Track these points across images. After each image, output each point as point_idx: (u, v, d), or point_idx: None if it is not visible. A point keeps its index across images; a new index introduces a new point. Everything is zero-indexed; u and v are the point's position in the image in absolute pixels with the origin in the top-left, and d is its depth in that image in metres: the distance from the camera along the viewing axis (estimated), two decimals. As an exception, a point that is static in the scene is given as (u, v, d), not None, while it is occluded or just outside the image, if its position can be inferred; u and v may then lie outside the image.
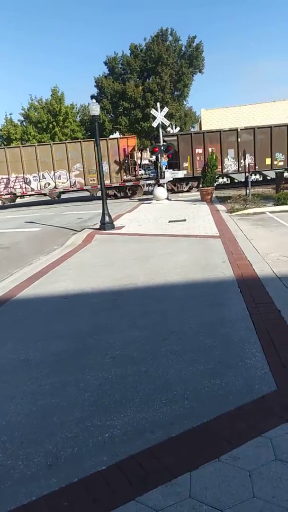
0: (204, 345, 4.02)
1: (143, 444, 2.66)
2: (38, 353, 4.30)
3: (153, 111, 23.61)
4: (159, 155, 22.64)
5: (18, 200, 29.11)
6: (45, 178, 25.96)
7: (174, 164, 23.94)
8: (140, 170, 26.57)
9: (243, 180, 22.18)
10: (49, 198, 26.93)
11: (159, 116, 22.79)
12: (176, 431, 2.75)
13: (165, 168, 23.06)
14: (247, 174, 18.19)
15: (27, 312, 5.71)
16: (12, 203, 27.87)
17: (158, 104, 24.29)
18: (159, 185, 22.41)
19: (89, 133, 44.15)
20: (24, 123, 44.28)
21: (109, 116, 44.21)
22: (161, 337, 4.33)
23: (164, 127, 24.12)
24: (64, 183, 26.06)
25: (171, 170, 23.88)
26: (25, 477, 2.51)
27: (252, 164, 22.49)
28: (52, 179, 25.96)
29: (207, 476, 2.29)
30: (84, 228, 13.58)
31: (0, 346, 4.59)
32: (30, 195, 27.29)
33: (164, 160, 22.81)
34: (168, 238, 10.20)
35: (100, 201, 13.19)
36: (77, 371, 3.79)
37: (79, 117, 47.44)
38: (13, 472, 2.57)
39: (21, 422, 3.11)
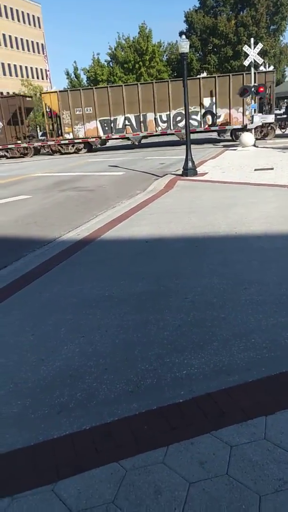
0: (287, 297, 3.92)
1: (220, 384, 2.75)
2: (121, 291, 4.52)
3: (245, 48, 21.80)
4: (249, 97, 21.22)
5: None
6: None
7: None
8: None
9: None
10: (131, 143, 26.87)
11: (252, 53, 21.03)
12: (253, 377, 2.79)
13: (254, 112, 21.65)
14: None
15: (111, 253, 5.95)
16: (102, 146, 28.08)
17: (252, 40, 22.36)
18: (247, 130, 21.19)
19: (175, 74, 42.39)
20: (111, 63, 43.66)
21: (198, 55, 41.91)
22: (242, 286, 4.30)
23: (256, 66, 22.27)
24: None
25: (260, 114, 22.38)
26: (108, 399, 2.75)
27: None
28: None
29: (284, 422, 2.33)
30: (167, 174, 13.47)
31: (86, 283, 4.88)
32: (114, 139, 27.38)
33: (253, 103, 21.37)
34: (253, 186, 9.78)
35: (184, 147, 12.88)
36: (157, 311, 3.94)
37: (165, 56, 45.52)
38: (97, 394, 2.82)
39: (105, 351, 3.36)
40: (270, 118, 23.01)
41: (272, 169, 12.29)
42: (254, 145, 19.54)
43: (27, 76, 66.22)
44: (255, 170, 12.44)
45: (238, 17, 39.56)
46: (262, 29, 39.11)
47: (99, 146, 27.59)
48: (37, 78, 68.84)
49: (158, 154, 21.94)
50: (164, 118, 25.55)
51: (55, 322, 3.95)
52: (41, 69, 71.07)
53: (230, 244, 5.79)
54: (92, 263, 5.59)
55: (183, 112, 22.00)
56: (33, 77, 67.22)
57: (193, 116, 24.52)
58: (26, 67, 68.94)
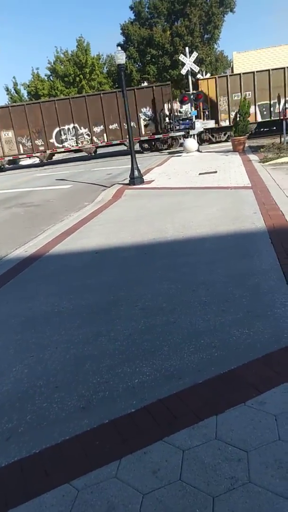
0: (233, 295, 4.00)
1: (171, 389, 2.74)
2: (71, 305, 4.43)
3: (181, 57, 22.44)
4: (188, 105, 21.77)
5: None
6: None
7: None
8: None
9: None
10: (85, 154, 26.50)
11: (188, 61, 21.67)
12: (203, 378, 2.80)
13: (195, 118, 22.23)
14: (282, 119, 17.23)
15: (60, 267, 5.84)
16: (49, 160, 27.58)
17: (187, 49, 23.02)
18: (189, 136, 21.70)
19: (116, 85, 42.77)
20: (51, 77, 43.35)
21: (137, 66, 42.53)
22: (190, 289, 4.34)
23: (194, 74, 22.93)
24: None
25: (201, 120, 23.01)
26: (59, 418, 2.66)
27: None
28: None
29: (233, 419, 2.35)
30: (114, 184, 13.49)
31: (34, 299, 4.75)
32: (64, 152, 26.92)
33: (193, 110, 21.95)
34: (198, 190, 9.99)
35: (129, 156, 12.97)
36: (108, 322, 3.89)
37: (106, 68, 45.85)
38: (48, 414, 2.73)
39: (56, 368, 3.26)
40: (212, 124, 23.69)
41: (215, 172, 12.63)
42: (198, 150, 20.03)
43: None
44: (200, 174, 12.74)
45: (173, 27, 40.60)
46: (197, 38, 40.33)
47: (46, 161, 27.09)
48: (-24, 95, 67.03)
49: (104, 165, 21.94)
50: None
51: (2, 344, 3.81)
52: (-21, 86, 69.30)
53: (178, 248, 5.85)
54: (40, 279, 5.45)
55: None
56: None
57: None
58: None
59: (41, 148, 25.51)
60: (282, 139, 16.54)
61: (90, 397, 2.83)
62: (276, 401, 2.44)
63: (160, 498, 1.93)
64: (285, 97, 22.52)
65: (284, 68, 23.05)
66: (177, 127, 24.85)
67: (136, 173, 12.50)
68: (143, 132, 24.86)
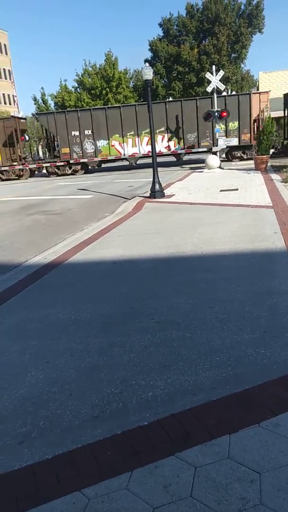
0: (251, 314, 3.99)
1: (185, 404, 2.74)
2: (87, 314, 4.47)
3: (208, 75, 22.65)
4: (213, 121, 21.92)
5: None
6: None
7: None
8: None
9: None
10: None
11: (214, 80, 21.85)
12: (218, 395, 2.80)
13: (219, 136, 22.35)
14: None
15: (78, 276, 5.91)
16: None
17: (214, 67, 23.27)
18: (212, 153, 21.80)
19: (141, 99, 43.45)
20: (78, 89, 44.30)
21: (163, 81, 43.17)
22: (207, 305, 4.34)
23: (219, 91, 23.11)
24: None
25: (224, 137, 23.11)
26: (72, 426, 2.68)
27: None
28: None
29: (247, 439, 2.34)
30: (135, 196, 13.61)
31: (52, 306, 4.81)
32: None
33: (217, 127, 22.08)
34: (218, 207, 10.01)
35: (151, 170, 13.10)
36: (124, 333, 3.92)
37: (132, 82, 46.68)
38: (61, 421, 2.75)
39: (70, 376, 3.29)
40: (234, 141, 23.78)
41: (237, 190, 12.64)
42: (220, 167, 20.10)
43: (-5, 102, 66.26)
44: (221, 191, 12.76)
45: (201, 45, 41.24)
46: (224, 57, 40.86)
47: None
48: (4, 103, 68.79)
49: (126, 177, 22.19)
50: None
51: (19, 349, 3.86)
52: (8, 95, 71.16)
53: (196, 263, 5.86)
54: (59, 287, 5.53)
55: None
56: (0, 103, 67.18)
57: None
58: (-7, 93, 68.95)
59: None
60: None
61: (103, 407, 2.85)
62: (291, 424, 2.42)
63: (170, 513, 1.93)
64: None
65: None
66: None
67: (157, 186, 12.60)
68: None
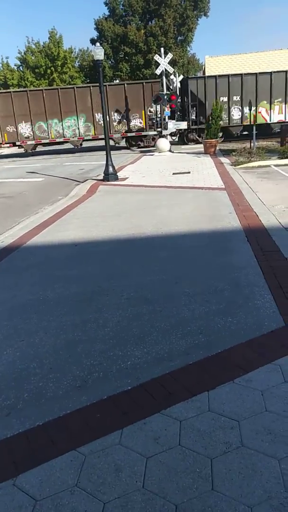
0: (215, 288, 4.26)
1: (164, 369, 2.95)
2: (56, 294, 4.54)
3: (156, 57, 22.73)
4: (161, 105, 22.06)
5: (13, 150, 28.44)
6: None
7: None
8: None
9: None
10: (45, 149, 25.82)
11: (163, 62, 21.97)
12: (193, 359, 3.03)
13: (168, 119, 22.57)
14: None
15: (40, 258, 5.91)
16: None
17: (162, 49, 23.33)
18: (162, 136, 22.00)
19: (88, 80, 42.55)
20: (21, 67, 42.49)
21: (110, 62, 42.47)
22: (173, 281, 4.56)
23: (167, 74, 23.24)
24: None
25: (173, 121, 23.37)
26: (57, 396, 2.80)
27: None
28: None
29: (224, 394, 2.59)
30: (87, 179, 13.54)
31: (18, 288, 4.82)
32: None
33: (167, 110, 22.26)
34: (173, 189, 10.26)
35: (102, 152, 13.07)
36: (95, 310, 4.04)
37: (78, 62, 45.47)
38: (45, 392, 2.86)
39: (48, 352, 3.39)
40: (184, 125, 24.12)
41: (189, 172, 12.96)
42: (170, 150, 20.37)
43: None
44: (174, 174, 13.04)
45: (147, 27, 40.93)
46: (171, 40, 40.85)
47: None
48: None
49: (75, 160, 21.85)
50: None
51: (-9, 329, 3.87)
52: None
53: (158, 243, 6.06)
54: (22, 269, 5.51)
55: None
56: None
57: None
58: None
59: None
60: (252, 144, 17.14)
61: (85, 377, 2.99)
62: (261, 379, 2.70)
63: (163, 460, 2.13)
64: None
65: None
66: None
67: (110, 169, 12.62)
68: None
